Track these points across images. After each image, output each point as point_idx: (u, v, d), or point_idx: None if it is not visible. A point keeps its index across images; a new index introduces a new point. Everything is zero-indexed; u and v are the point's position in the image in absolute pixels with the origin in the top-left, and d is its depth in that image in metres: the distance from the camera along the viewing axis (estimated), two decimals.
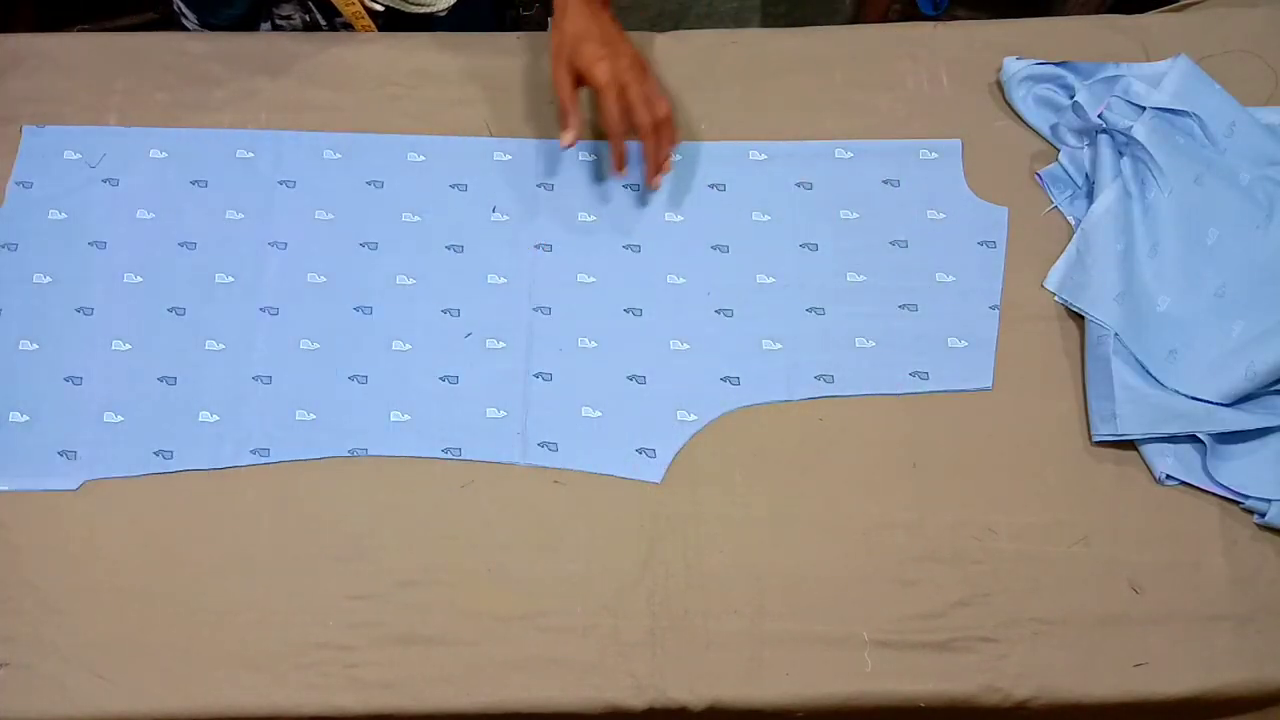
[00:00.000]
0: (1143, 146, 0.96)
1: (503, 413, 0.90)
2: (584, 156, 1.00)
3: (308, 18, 1.07)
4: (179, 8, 1.09)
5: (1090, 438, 0.90)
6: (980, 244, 0.97)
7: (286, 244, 0.96)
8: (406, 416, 0.90)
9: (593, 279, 0.95)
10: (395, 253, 0.96)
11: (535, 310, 0.94)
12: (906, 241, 0.97)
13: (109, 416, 0.89)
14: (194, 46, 1.04)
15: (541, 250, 0.96)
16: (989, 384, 0.92)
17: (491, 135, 1.01)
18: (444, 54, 1.05)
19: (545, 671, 0.81)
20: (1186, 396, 0.89)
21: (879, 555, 0.86)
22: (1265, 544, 0.87)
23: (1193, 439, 0.89)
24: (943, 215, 0.98)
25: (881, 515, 0.87)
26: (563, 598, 0.84)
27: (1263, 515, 0.87)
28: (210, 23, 1.09)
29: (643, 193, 0.99)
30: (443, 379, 0.91)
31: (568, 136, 0.92)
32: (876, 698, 0.81)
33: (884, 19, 1.11)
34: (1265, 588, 0.85)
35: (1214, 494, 0.88)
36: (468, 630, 0.83)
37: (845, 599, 0.84)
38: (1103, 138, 0.99)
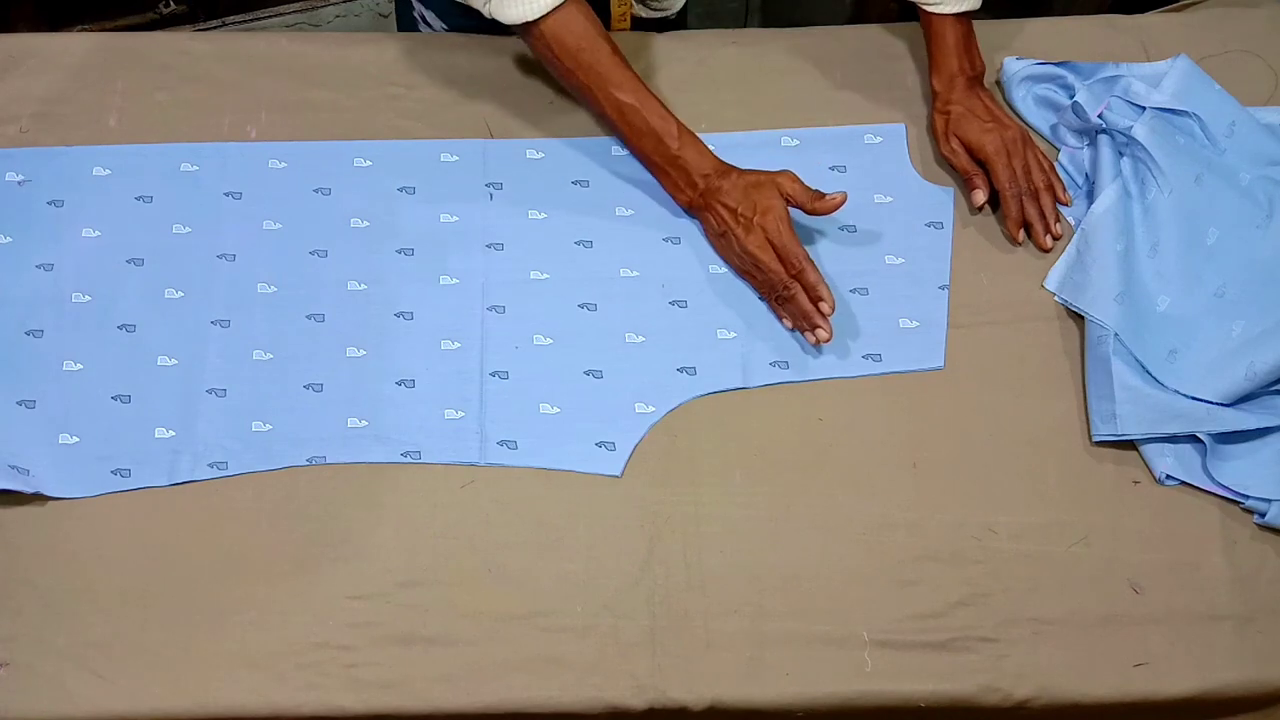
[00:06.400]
0: (1143, 146, 0.96)
1: (460, 413, 0.90)
2: (532, 155, 1.00)
3: None
4: (420, 14, 1.09)
5: (1090, 438, 0.90)
6: (928, 225, 0.98)
7: (235, 255, 0.95)
8: (364, 422, 0.89)
9: (545, 275, 0.95)
10: (345, 259, 0.95)
11: (489, 309, 0.94)
12: (854, 226, 0.97)
13: (64, 438, 0.88)
14: (194, 46, 1.04)
15: (493, 249, 0.96)
16: (940, 363, 0.92)
17: (491, 135, 1.01)
18: (444, 54, 1.05)
19: (545, 671, 0.81)
20: (1186, 396, 0.89)
21: (879, 555, 0.86)
22: (1265, 544, 0.87)
23: (1193, 439, 0.89)
24: (890, 199, 0.99)
25: (881, 515, 0.87)
26: (563, 598, 0.84)
27: (1263, 515, 0.87)
28: (459, 26, 1.08)
29: (592, 188, 0.99)
30: (399, 383, 0.91)
31: (980, 196, 0.97)
32: (876, 698, 0.81)
33: (884, 19, 1.11)
34: (1265, 588, 0.85)
35: (1214, 494, 0.88)
36: (468, 630, 0.83)
37: (845, 599, 0.84)
38: (1103, 138, 0.99)
